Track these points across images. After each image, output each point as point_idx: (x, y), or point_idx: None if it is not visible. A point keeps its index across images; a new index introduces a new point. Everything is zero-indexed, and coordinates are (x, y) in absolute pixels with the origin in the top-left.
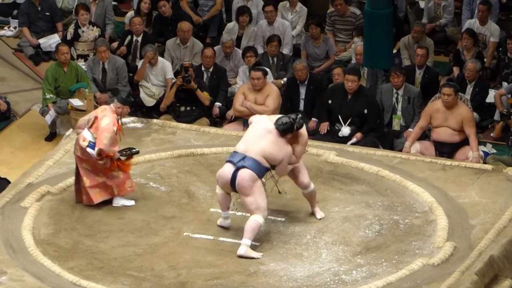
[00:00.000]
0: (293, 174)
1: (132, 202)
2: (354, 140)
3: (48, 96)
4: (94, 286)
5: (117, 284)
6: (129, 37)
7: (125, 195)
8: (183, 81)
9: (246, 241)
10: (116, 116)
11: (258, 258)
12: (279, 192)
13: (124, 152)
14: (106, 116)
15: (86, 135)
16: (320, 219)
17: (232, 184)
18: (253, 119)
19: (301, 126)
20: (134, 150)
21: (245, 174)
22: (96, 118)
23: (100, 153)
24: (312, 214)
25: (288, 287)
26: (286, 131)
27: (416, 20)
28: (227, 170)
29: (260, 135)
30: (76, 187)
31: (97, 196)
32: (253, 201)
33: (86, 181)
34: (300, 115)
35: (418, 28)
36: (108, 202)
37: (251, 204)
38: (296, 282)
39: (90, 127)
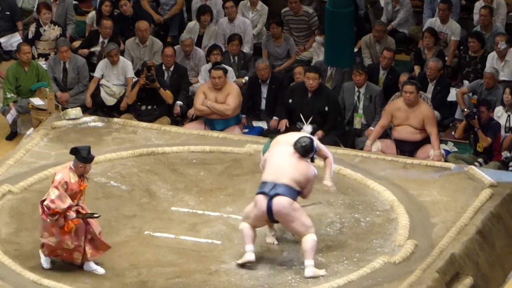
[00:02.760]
0: None
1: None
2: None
3: (9, 96)
4: (55, 285)
5: (78, 283)
6: (97, 47)
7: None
8: (146, 80)
9: (310, 262)
10: (78, 175)
11: (324, 275)
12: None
13: (83, 215)
14: (60, 172)
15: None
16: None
17: (269, 214)
18: (273, 143)
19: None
20: (95, 215)
21: (281, 201)
22: (54, 174)
23: (48, 208)
24: None
25: (249, 285)
26: (307, 152)
27: (376, 19)
28: (261, 201)
29: (284, 161)
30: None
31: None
32: (299, 224)
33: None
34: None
35: (379, 27)
36: None
37: (299, 227)
38: (257, 281)
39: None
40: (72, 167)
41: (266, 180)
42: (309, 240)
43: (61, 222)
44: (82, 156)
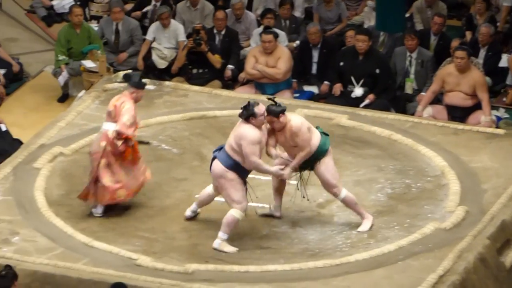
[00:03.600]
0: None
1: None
2: (367, 101)
3: (60, 58)
4: (106, 247)
5: (129, 245)
6: (153, 4)
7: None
8: (194, 43)
9: (221, 234)
10: (134, 102)
11: (230, 252)
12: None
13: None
14: (125, 102)
15: (110, 127)
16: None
17: None
18: None
19: (251, 111)
20: (145, 141)
21: (215, 166)
22: (115, 107)
23: (119, 133)
24: None
25: (299, 249)
26: (246, 111)
27: None
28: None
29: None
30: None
31: (112, 197)
32: (226, 195)
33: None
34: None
35: None
36: None
37: (226, 197)
38: (307, 245)
39: (113, 119)
40: (127, 95)
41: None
42: (229, 215)
43: (122, 148)
44: (134, 81)
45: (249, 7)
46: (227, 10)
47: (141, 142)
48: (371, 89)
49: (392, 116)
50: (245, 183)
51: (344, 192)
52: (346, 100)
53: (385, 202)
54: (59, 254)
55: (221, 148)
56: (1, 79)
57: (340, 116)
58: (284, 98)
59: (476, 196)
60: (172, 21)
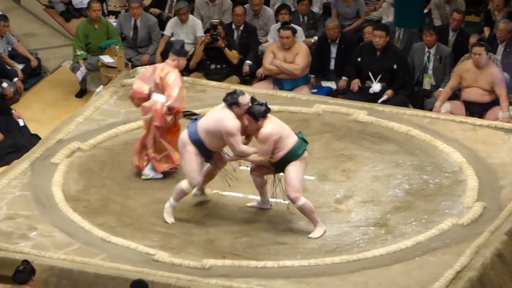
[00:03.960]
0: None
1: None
2: (385, 97)
3: (78, 53)
4: (124, 242)
5: (146, 240)
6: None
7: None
8: (211, 39)
9: (171, 200)
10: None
11: (168, 222)
12: (229, 185)
13: (186, 112)
14: (170, 73)
15: (160, 98)
16: (310, 238)
17: None
18: None
19: (235, 100)
20: (196, 114)
21: (182, 134)
22: (161, 79)
23: (170, 108)
24: (343, 172)
25: (317, 246)
26: (229, 97)
27: None
28: None
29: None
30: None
31: (162, 166)
32: (183, 165)
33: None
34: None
35: None
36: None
37: (183, 167)
38: (325, 241)
39: (161, 90)
40: (169, 63)
41: None
42: (179, 185)
43: (171, 123)
44: (176, 49)
45: (267, 2)
46: (245, 6)
47: (188, 115)
48: (389, 84)
49: (410, 111)
50: (207, 161)
51: (303, 200)
52: (364, 95)
53: (402, 197)
54: (77, 249)
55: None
56: (20, 74)
57: (358, 111)
58: (302, 94)
59: (494, 192)
60: (190, 16)
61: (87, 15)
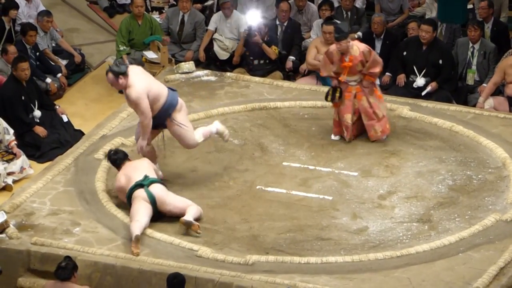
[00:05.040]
0: None
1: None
2: (429, 89)
3: (121, 48)
4: (167, 238)
5: (189, 236)
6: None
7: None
8: (247, 34)
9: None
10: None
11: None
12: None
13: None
14: (355, 46)
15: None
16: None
17: None
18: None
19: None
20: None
21: None
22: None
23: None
24: (386, 167)
25: (360, 241)
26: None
27: None
28: None
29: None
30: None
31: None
32: None
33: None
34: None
35: None
36: (184, 154)
37: None
38: (368, 236)
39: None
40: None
41: None
42: None
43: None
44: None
45: None
46: (289, 1)
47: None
48: (433, 79)
49: (453, 107)
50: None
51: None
52: (408, 90)
53: (446, 193)
54: (120, 245)
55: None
56: (63, 70)
57: (401, 107)
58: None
59: None
60: (234, 11)
61: (131, 10)
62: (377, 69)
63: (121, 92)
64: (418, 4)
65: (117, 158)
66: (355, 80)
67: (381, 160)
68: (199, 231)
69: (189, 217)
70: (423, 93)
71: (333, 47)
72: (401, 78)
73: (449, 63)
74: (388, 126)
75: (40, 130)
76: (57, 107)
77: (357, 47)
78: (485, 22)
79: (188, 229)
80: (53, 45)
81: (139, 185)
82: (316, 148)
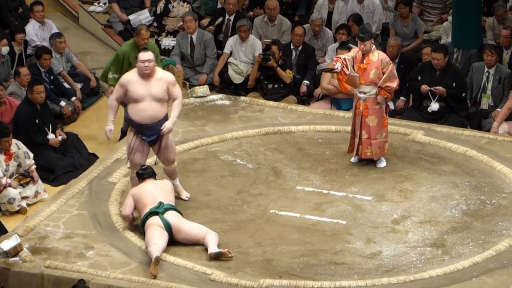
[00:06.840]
0: None
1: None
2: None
3: (111, 76)
4: (181, 262)
5: (203, 260)
6: (220, 18)
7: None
8: (262, 58)
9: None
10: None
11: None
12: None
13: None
14: (376, 52)
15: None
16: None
17: None
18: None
19: None
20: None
21: None
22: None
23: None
24: (400, 192)
25: (374, 266)
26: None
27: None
28: None
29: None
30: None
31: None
32: None
33: (365, 134)
34: None
35: (501, 11)
36: (197, 178)
37: None
38: (382, 261)
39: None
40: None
41: None
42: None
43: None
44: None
45: (329, 19)
46: (304, 26)
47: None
48: (447, 104)
49: (467, 132)
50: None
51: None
52: (422, 115)
53: (460, 218)
54: (133, 268)
55: None
56: (78, 93)
57: (415, 132)
58: None
59: None
60: (250, 35)
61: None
62: (394, 84)
63: None
64: (432, 25)
65: (145, 173)
66: (367, 93)
67: (395, 185)
68: (231, 254)
69: (214, 248)
70: (430, 104)
71: (356, 49)
72: (424, 88)
73: (461, 85)
74: (386, 149)
75: (54, 142)
76: (58, 128)
77: (378, 54)
78: (505, 49)
79: (219, 259)
80: (69, 68)
81: (154, 212)
82: (330, 172)
